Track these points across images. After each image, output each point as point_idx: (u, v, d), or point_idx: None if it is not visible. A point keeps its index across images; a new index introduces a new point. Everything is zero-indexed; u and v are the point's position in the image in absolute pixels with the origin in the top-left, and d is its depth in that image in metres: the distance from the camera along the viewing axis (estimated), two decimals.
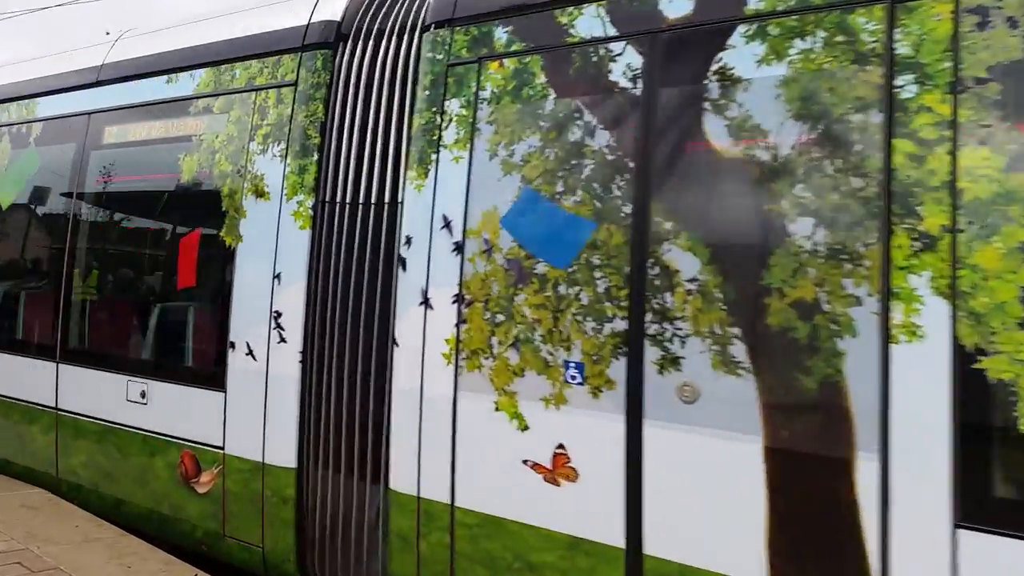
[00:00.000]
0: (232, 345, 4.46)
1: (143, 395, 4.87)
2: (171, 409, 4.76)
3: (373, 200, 4.12)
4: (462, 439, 3.61)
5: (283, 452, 4.25)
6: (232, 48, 4.81)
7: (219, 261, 4.69)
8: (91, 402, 5.20)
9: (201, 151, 4.81)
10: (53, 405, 5.44)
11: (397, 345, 3.87)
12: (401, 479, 3.82)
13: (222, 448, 4.50)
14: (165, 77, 5.12)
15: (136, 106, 5.26)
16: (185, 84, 5.01)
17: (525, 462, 3.42)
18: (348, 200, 4.20)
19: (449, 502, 3.64)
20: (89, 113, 5.54)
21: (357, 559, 4.06)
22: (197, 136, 4.85)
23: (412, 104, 4.02)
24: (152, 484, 4.84)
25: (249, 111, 4.63)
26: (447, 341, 3.69)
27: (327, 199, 4.26)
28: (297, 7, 4.64)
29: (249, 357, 4.39)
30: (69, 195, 5.60)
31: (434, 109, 3.89)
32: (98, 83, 5.56)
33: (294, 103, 4.44)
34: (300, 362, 4.22)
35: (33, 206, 6.01)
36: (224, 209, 4.63)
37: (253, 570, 4.44)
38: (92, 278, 5.42)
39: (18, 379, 5.75)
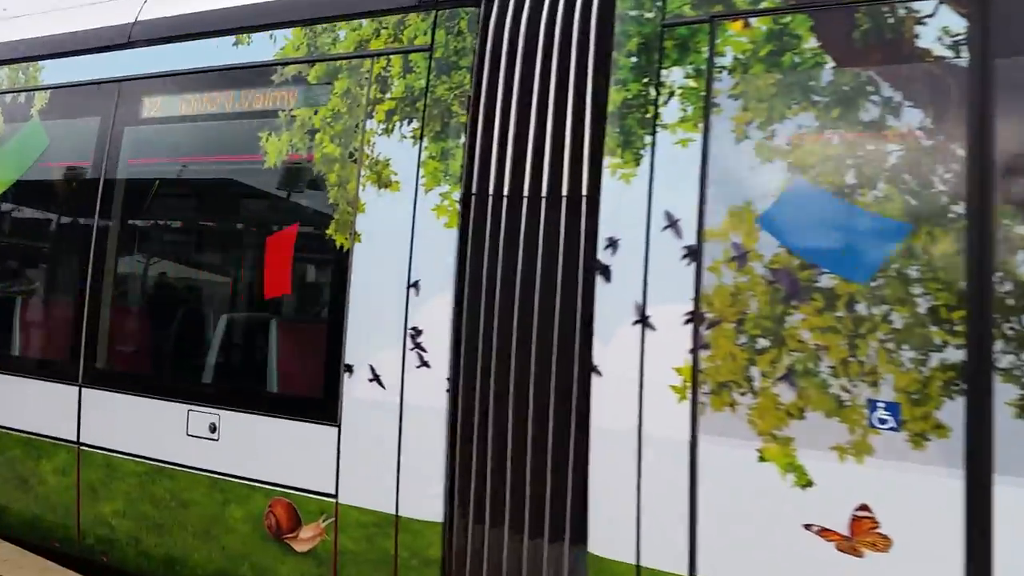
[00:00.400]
0: (349, 369, 3.58)
1: (212, 428, 3.92)
2: (254, 446, 3.83)
3: (549, 193, 3.33)
4: (706, 495, 2.87)
5: (425, 502, 3.41)
6: (334, 4, 3.92)
7: (326, 265, 3.81)
8: (133, 436, 4.19)
9: (294, 130, 3.90)
10: (73, 439, 4.40)
11: (598, 374, 3.10)
12: (608, 543, 3.05)
13: (333, 496, 3.61)
14: (231, 38, 4.18)
15: (188, 73, 4.29)
16: (262, 47, 4.08)
17: (808, 527, 2.71)
18: (509, 192, 3.39)
19: (687, 575, 2.89)
20: (120, 80, 4.52)
21: None
22: (285, 111, 3.94)
23: (605, 74, 3.25)
24: (224, 539, 3.90)
25: (363, 82, 3.75)
26: (678, 371, 2.94)
27: (480, 191, 3.44)
28: None
29: (374, 384, 3.52)
30: (94, 180, 4.56)
31: (645, 80, 3.14)
32: (130, 43, 4.55)
33: (429, 72, 3.60)
34: (448, 391, 3.39)
35: (42, 193, 4.92)
36: (332, 201, 3.74)
37: None
38: (132, 282, 4.42)
39: (18, 404, 4.67)
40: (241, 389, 4.02)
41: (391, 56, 3.70)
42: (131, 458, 4.19)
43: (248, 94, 4.08)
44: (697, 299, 2.93)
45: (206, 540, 3.96)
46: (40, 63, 4.88)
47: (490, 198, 3.40)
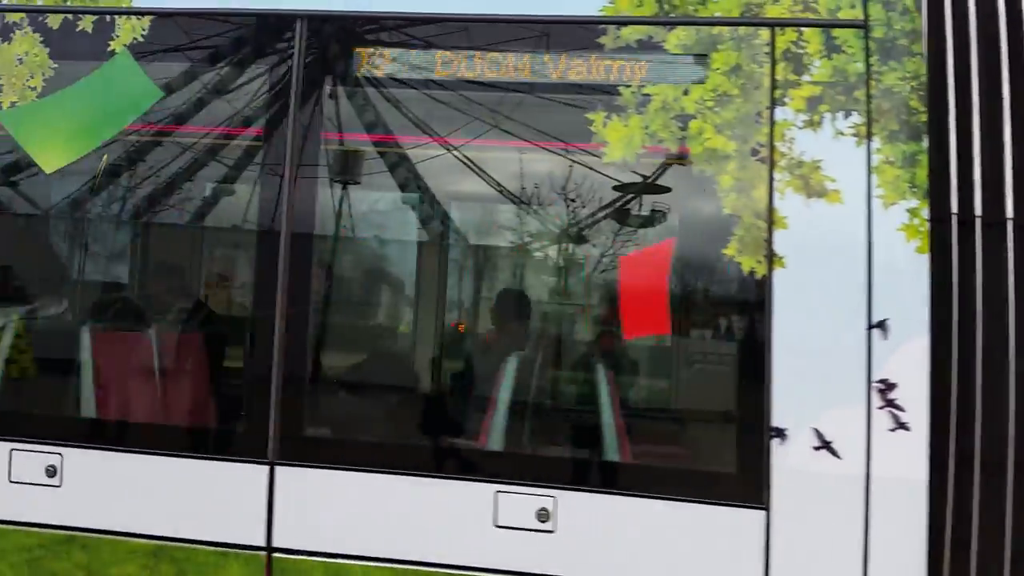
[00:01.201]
0: (779, 434, 2.75)
1: (543, 516, 2.84)
2: (618, 537, 2.83)
3: None
4: None
5: None
6: None
7: (726, 296, 2.91)
8: (389, 532, 2.93)
9: (649, 113, 2.92)
10: (262, 543, 2.99)
11: None
12: None
13: None
14: None
15: (449, 20, 3.06)
16: None
17: None
18: (1013, 215, 2.79)
19: None
20: (305, 16, 3.11)
21: None
22: (631, 87, 2.94)
23: None
24: None
25: (760, 57, 2.89)
26: None
27: (963, 212, 2.80)
28: None
29: (822, 453, 2.74)
30: (270, 163, 3.10)
31: None
32: None
33: (867, 55, 2.85)
34: (931, 459, 2.73)
35: (157, 169, 3.27)
36: (729, 211, 2.85)
37: None
38: (361, 315, 3.08)
39: (142, 496, 3.09)
40: (592, 462, 2.95)
41: (803, 28, 2.89)
42: (380, 565, 2.93)
43: (561, 59, 2.99)
44: None
45: None
46: None
47: (992, 222, 2.77)
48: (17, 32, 3.25)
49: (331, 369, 3.32)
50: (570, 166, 3.13)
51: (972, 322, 2.74)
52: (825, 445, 2.74)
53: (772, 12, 2.91)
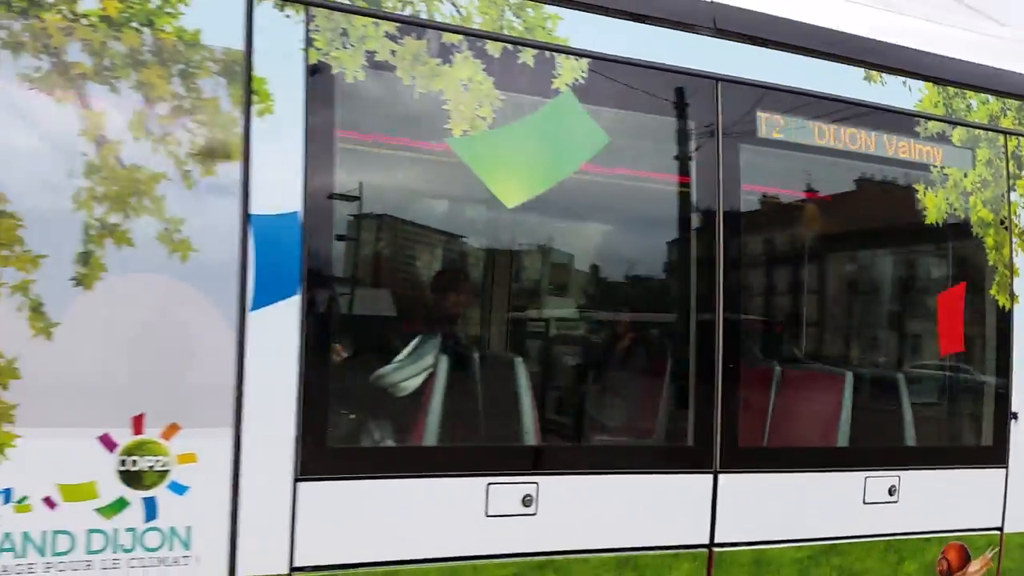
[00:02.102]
0: (1015, 416, 4.10)
1: (891, 491, 3.82)
2: (929, 500, 3.93)
3: None
4: None
5: None
6: (962, 73, 4.09)
7: (989, 323, 4.10)
8: (798, 518, 3.63)
9: (947, 188, 3.99)
10: (705, 542, 3.47)
11: None
12: None
13: (999, 529, 4.10)
14: (860, 72, 3.86)
15: (818, 97, 3.75)
16: (897, 92, 3.93)
17: None
18: None
19: None
20: (718, 79, 3.55)
21: None
22: (936, 167, 3.97)
23: None
24: None
25: (1000, 155, 4.14)
26: None
27: None
28: None
29: None
30: (701, 209, 3.47)
31: None
32: (718, 30, 3.60)
33: None
34: None
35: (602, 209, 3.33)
36: (991, 263, 4.07)
37: None
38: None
39: (615, 513, 3.31)
40: (923, 446, 3.94)
41: (1020, 137, 4.20)
42: (790, 545, 3.64)
43: (894, 139, 3.89)
44: None
45: None
46: (559, 10, 3.29)
47: None
48: (457, 55, 3.11)
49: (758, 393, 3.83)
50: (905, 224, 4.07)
51: None
52: None
53: (1004, 123, 4.16)
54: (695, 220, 3.50)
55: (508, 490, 3.12)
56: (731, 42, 3.57)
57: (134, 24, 2.59)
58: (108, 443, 2.53)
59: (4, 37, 2.45)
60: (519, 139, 3.20)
